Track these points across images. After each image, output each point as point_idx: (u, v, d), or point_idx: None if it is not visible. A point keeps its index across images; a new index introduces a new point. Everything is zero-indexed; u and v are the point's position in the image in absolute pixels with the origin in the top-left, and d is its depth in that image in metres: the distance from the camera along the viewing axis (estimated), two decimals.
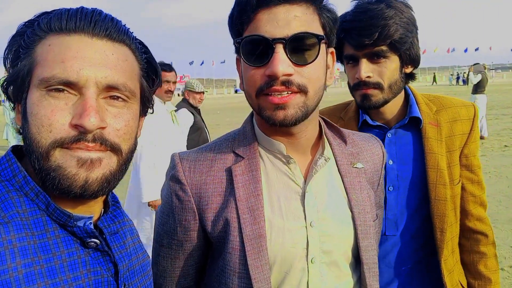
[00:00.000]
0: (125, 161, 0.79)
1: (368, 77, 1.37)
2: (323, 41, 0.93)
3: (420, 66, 1.54)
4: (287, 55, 0.90)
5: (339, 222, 1.03)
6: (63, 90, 0.71)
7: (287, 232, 0.99)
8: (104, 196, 0.84)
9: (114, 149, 0.75)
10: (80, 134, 0.71)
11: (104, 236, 0.81)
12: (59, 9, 0.77)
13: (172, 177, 1.05)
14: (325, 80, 0.99)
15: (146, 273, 0.92)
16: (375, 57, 1.36)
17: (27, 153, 0.74)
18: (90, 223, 0.78)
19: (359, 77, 1.37)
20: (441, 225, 1.43)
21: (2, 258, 0.66)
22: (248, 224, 0.97)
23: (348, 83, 1.48)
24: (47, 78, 0.71)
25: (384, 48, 1.34)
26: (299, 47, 0.90)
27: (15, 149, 0.80)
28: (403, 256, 1.48)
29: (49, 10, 0.79)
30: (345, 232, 1.03)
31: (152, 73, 0.87)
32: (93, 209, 0.82)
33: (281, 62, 0.88)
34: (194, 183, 1.02)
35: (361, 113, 1.52)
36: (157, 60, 0.92)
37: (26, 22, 0.78)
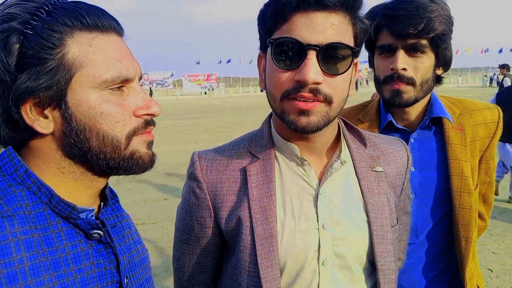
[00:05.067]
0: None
1: (404, 69, 1.32)
2: (356, 54, 0.91)
3: (452, 66, 1.48)
4: (318, 62, 0.87)
5: (354, 226, 1.01)
6: (121, 86, 0.77)
7: (299, 233, 0.98)
8: (101, 190, 0.86)
9: None
10: (147, 122, 0.80)
11: (106, 228, 0.83)
12: (73, 4, 0.74)
13: (191, 175, 1.07)
14: (348, 91, 0.97)
15: (145, 266, 0.94)
16: (412, 50, 1.31)
17: (86, 154, 0.75)
18: (92, 215, 0.81)
19: (395, 67, 1.31)
20: (466, 234, 1.38)
21: (8, 251, 0.67)
22: (259, 224, 0.98)
23: (376, 78, 1.41)
24: (113, 78, 0.74)
25: (424, 42, 1.30)
26: (331, 56, 0.88)
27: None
28: (423, 264, 1.43)
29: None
30: (359, 236, 1.01)
31: None
32: (92, 202, 0.84)
33: (313, 69, 0.86)
34: (210, 181, 1.04)
35: (384, 114, 1.46)
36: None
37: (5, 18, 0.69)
